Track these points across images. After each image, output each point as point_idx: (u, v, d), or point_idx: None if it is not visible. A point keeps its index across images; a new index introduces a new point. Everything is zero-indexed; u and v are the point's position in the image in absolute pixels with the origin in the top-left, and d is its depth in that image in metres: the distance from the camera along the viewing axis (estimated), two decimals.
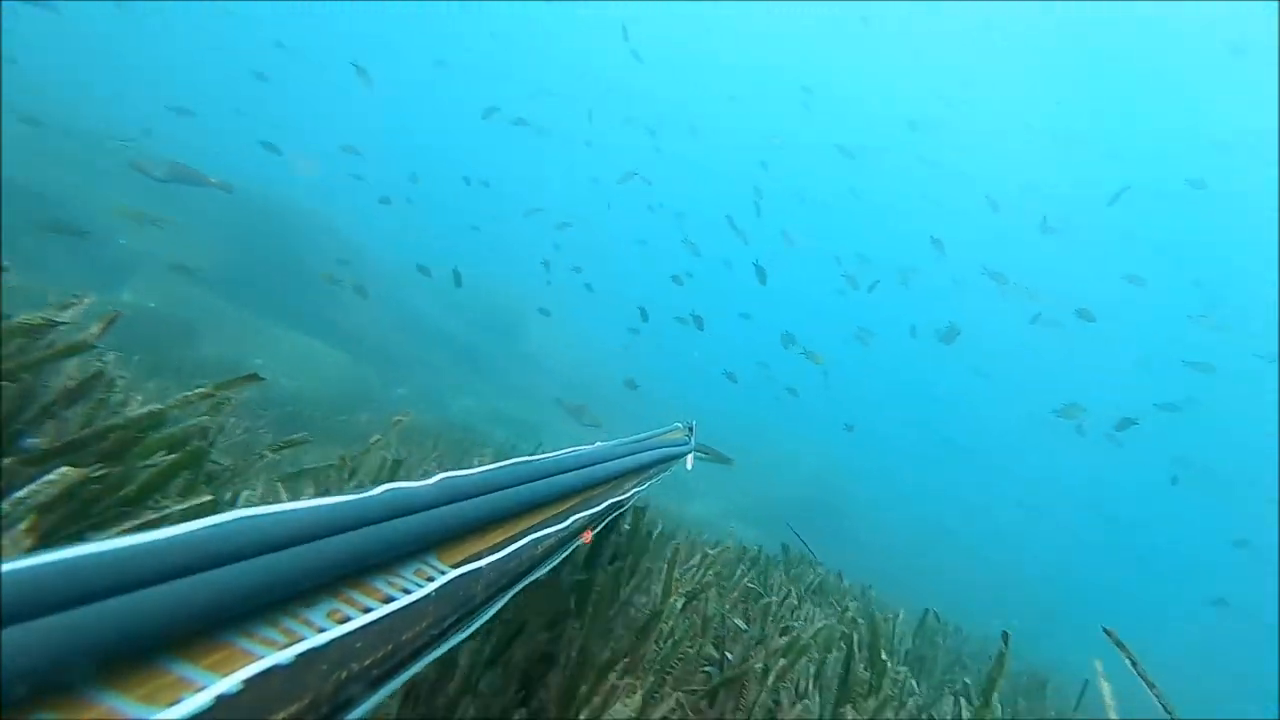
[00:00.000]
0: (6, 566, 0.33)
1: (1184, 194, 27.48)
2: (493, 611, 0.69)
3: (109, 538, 0.38)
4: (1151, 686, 2.41)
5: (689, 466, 2.39)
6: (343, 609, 0.49)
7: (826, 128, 36.66)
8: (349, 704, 0.46)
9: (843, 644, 1.96)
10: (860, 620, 2.17)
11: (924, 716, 1.71)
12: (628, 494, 1.30)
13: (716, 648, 2.09)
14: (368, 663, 0.47)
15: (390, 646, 0.49)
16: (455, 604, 0.59)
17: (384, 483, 2.01)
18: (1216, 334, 23.74)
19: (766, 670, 1.79)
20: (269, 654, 0.40)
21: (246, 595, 0.42)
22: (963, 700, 2.12)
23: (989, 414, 29.49)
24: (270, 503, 1.70)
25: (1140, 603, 18.75)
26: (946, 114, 36.20)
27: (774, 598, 2.37)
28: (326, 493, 1.88)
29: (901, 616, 3.85)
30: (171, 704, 0.34)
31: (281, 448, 2.01)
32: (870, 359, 23.55)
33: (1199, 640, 16.31)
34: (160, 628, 0.37)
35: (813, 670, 1.80)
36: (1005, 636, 2.33)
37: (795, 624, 2.19)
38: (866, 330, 16.15)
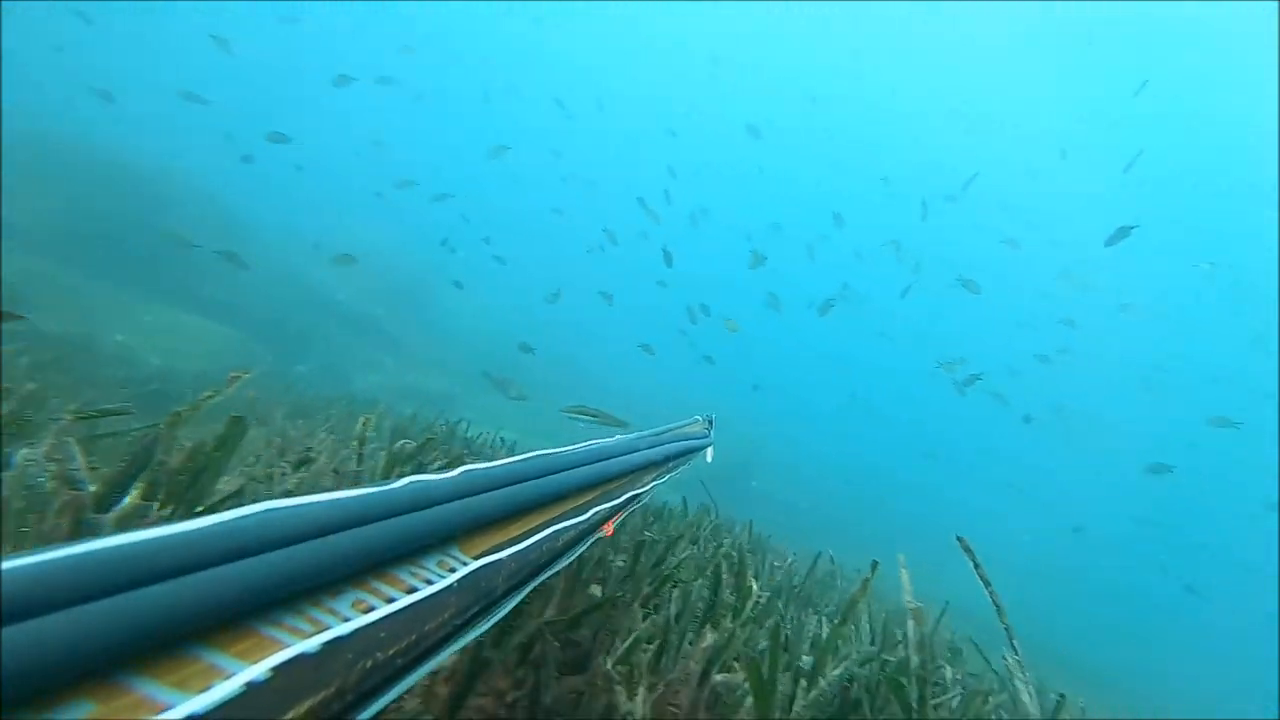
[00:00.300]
0: (36, 558, 0.34)
1: (1053, 165, 30.12)
2: (515, 602, 0.70)
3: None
4: (987, 585, 2.67)
5: (709, 459, 2.40)
6: (367, 599, 0.49)
7: (735, 101, 37.06)
8: (374, 692, 0.47)
9: (710, 573, 2.03)
10: (733, 553, 2.27)
11: (778, 630, 1.81)
12: (647, 487, 1.30)
13: (601, 584, 2.11)
14: (392, 652, 0.48)
15: (414, 636, 0.50)
16: (477, 594, 0.60)
17: (234, 436, 1.82)
18: (1082, 292, 26.46)
19: (635, 596, 1.82)
20: (296, 642, 0.41)
21: (273, 585, 0.43)
22: (824, 619, 2.26)
23: (892, 372, 31.56)
24: (58, 460, 1.49)
25: (1011, 530, 20.89)
26: (847, 90, 37.44)
27: (648, 534, 2.42)
28: (147, 452, 1.70)
29: (791, 560, 4.06)
30: (203, 690, 0.35)
31: (90, 415, 1.82)
32: (782, 326, 24.45)
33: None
34: (191, 616, 0.38)
35: (678, 595, 1.85)
36: (873, 565, 2.49)
37: (671, 558, 2.25)
38: (776, 298, 16.75)
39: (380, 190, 17.38)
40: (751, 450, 17.22)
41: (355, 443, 1.99)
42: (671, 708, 1.75)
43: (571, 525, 0.85)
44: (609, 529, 1.07)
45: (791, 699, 1.44)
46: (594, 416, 4.31)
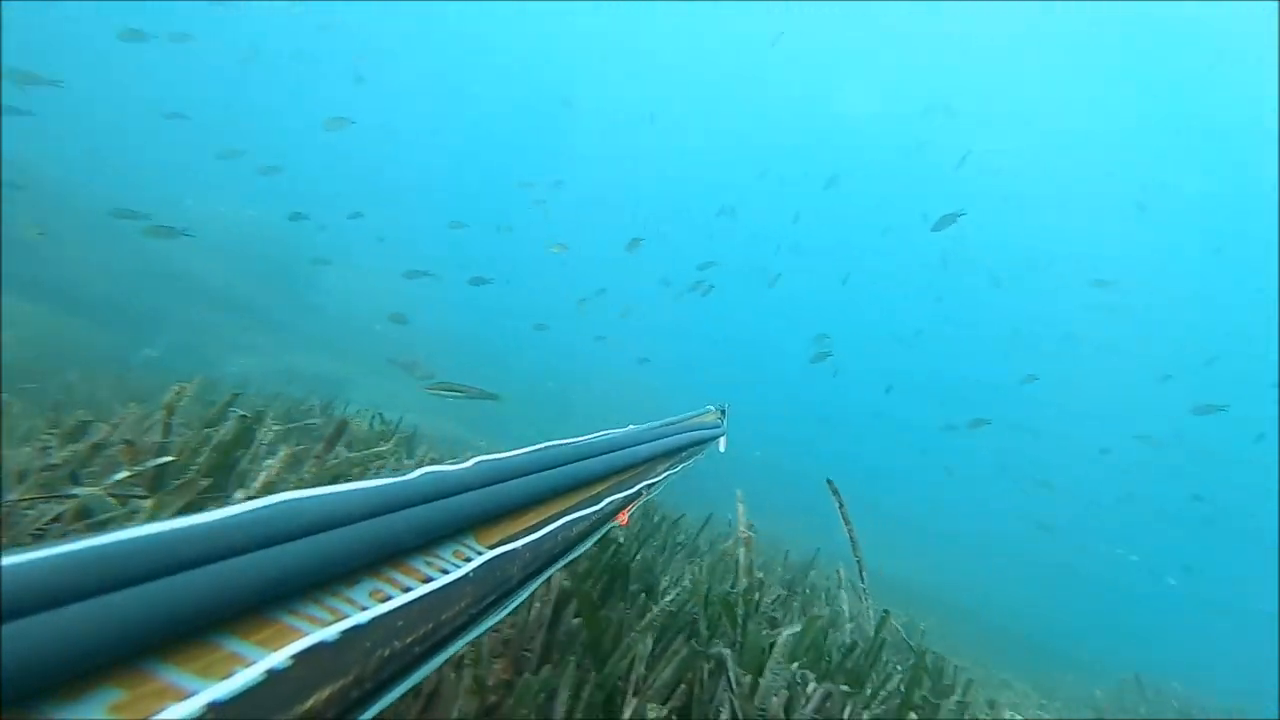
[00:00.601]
0: (62, 549, 0.34)
1: (913, 150, 32.64)
2: (529, 591, 0.70)
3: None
4: (847, 523, 2.91)
5: (722, 449, 2.43)
6: (384, 588, 0.51)
7: (631, 87, 36.89)
8: (392, 680, 0.48)
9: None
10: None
11: (626, 571, 1.88)
12: (660, 477, 1.32)
13: None
14: (409, 641, 0.49)
15: (431, 625, 0.52)
16: (493, 584, 0.61)
17: None
18: (955, 272, 29.18)
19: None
20: (315, 631, 0.42)
21: (293, 575, 0.44)
22: (696, 568, 2.38)
23: (782, 348, 33.28)
24: None
25: (889, 475, 23.00)
26: (731, 81, 38.14)
27: None
28: None
29: (663, 519, 4.22)
30: (225, 677, 0.35)
31: None
32: (678, 306, 24.95)
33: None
34: (213, 605, 0.39)
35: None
36: (749, 526, 2.61)
37: None
38: (667, 280, 17.19)
39: (218, 159, 15.55)
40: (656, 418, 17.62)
41: (163, 411, 1.82)
42: (526, 652, 1.78)
43: (585, 515, 0.86)
44: (623, 519, 1.08)
45: (635, 621, 1.51)
46: (461, 392, 4.21)
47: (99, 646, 0.32)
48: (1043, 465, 24.29)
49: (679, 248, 24.95)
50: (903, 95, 34.58)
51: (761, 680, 1.33)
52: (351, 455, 2.05)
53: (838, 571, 2.19)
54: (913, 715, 1.59)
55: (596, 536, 0.96)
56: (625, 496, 1.05)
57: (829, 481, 2.96)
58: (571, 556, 0.84)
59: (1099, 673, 8.23)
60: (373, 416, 5.26)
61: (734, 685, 1.30)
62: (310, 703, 0.39)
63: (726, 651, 1.35)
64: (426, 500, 0.59)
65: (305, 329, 14.72)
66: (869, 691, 1.66)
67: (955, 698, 1.95)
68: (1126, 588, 22.04)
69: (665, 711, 1.21)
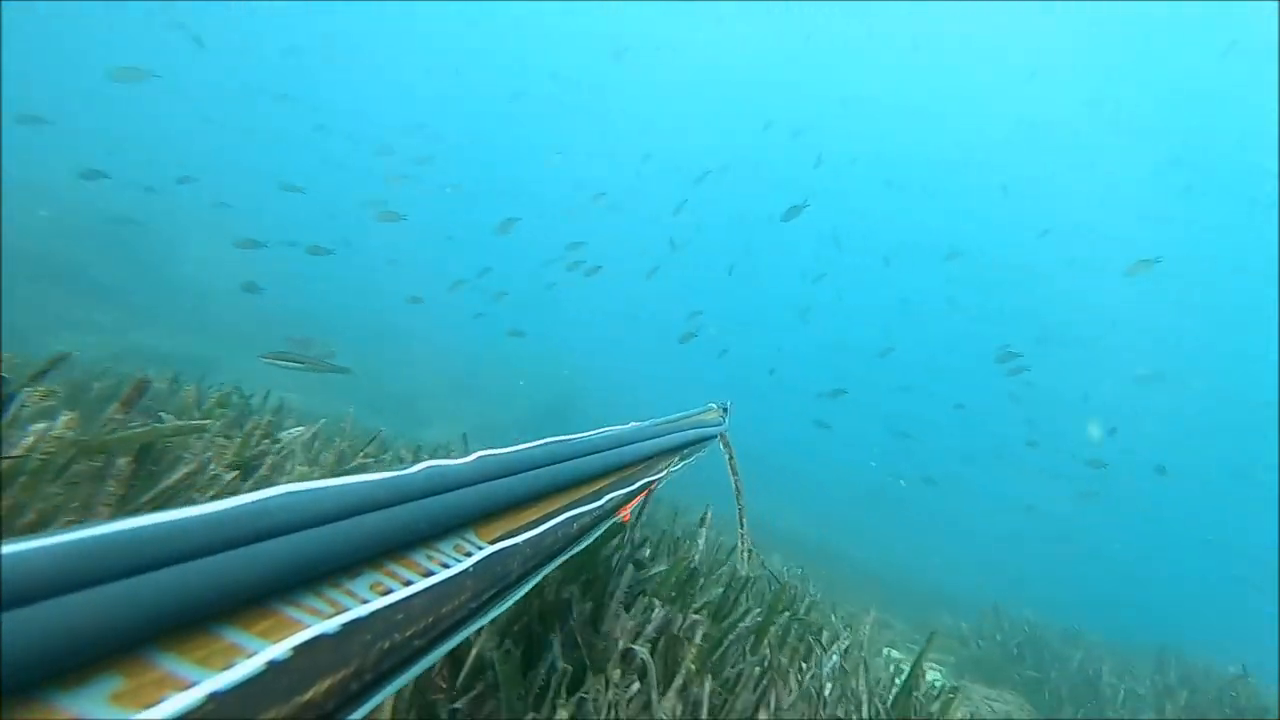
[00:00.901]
0: (66, 537, 0.34)
1: (792, 143, 33.90)
2: (529, 587, 0.69)
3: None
4: (735, 474, 3.01)
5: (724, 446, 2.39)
6: (385, 582, 0.51)
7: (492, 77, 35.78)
8: (391, 673, 0.48)
9: None
10: None
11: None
12: (662, 473, 1.30)
13: None
14: (409, 634, 0.49)
15: (430, 619, 0.52)
16: (493, 579, 0.61)
17: None
18: (837, 252, 30.94)
19: None
20: (316, 623, 0.42)
21: (294, 567, 0.44)
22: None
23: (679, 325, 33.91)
24: None
25: (780, 438, 24.33)
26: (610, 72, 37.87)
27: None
28: None
29: None
30: (225, 668, 0.36)
31: None
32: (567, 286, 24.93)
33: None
34: (214, 596, 0.39)
35: None
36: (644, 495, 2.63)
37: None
38: (549, 260, 17.05)
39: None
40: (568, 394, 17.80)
41: None
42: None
43: (586, 511, 0.86)
44: (625, 514, 1.07)
45: None
46: (300, 363, 3.91)
47: (100, 635, 0.32)
48: (907, 419, 26.60)
49: (570, 231, 24.80)
50: (792, 88, 35.89)
51: (605, 609, 1.37)
52: (163, 426, 1.80)
53: (706, 510, 2.28)
54: (766, 645, 1.69)
55: (598, 532, 0.94)
56: (627, 493, 1.05)
57: (722, 436, 3.05)
58: (572, 552, 0.83)
59: (969, 609, 9.18)
60: (231, 391, 4.80)
61: (575, 615, 1.32)
62: (310, 694, 0.39)
63: (573, 588, 1.36)
64: (427, 494, 0.59)
65: (153, 303, 13.09)
66: (731, 620, 1.75)
67: (786, 614, 2.09)
68: (992, 531, 24.90)
69: (508, 645, 1.19)
